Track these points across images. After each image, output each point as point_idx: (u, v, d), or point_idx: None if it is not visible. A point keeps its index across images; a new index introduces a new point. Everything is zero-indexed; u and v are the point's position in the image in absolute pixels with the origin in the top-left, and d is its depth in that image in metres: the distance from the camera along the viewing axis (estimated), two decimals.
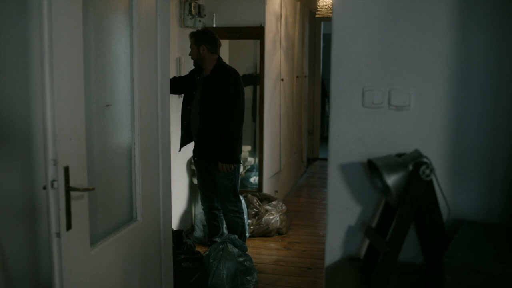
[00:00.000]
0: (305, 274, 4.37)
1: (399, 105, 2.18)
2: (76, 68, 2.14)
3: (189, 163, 5.26)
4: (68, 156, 2.10)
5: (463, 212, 2.14)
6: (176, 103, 4.54)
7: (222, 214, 4.53)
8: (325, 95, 9.67)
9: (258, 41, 5.60)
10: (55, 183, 2.06)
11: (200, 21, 5.16)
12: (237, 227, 4.41)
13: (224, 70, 4.21)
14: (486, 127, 2.13)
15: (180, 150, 4.47)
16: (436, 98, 2.15)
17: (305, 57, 7.86)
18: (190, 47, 4.23)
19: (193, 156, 4.45)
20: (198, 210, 5.07)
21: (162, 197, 2.99)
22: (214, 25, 5.48)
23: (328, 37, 10.44)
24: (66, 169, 2.09)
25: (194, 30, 4.60)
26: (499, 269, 1.65)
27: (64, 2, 2.04)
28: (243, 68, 6.11)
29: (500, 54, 2.09)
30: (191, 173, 5.28)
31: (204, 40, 4.20)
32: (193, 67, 4.33)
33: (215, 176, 4.29)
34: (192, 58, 4.23)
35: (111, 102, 2.57)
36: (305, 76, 8.02)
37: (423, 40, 2.13)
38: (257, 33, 5.47)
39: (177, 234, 3.61)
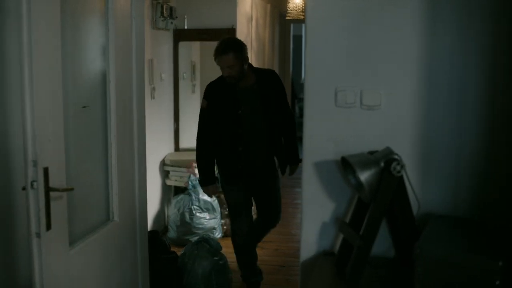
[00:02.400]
0: (278, 272, 4.45)
1: (370, 105, 2.27)
2: (54, 71, 2.17)
3: (161, 164, 5.29)
4: (48, 157, 2.13)
5: (432, 207, 2.24)
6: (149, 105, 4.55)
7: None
8: (295, 96, 9.79)
9: None
10: (34, 183, 2.08)
11: (172, 23, 5.20)
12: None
13: (267, 71, 3.89)
14: (452, 126, 2.23)
15: (241, 184, 3.77)
16: (406, 98, 2.24)
17: (275, 59, 7.95)
18: (229, 65, 3.47)
19: (233, 183, 3.76)
20: (171, 211, 5.10)
21: (138, 197, 3.03)
22: (185, 27, 5.51)
23: (297, 39, 10.59)
24: (46, 170, 2.11)
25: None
26: (467, 259, 1.74)
27: (43, 6, 2.06)
28: (215, 70, 6.15)
29: (464, 57, 2.19)
30: (164, 175, 5.31)
31: (245, 52, 3.57)
32: (209, 89, 3.72)
33: (270, 189, 3.90)
34: (230, 77, 3.51)
35: (88, 104, 2.59)
36: None
37: (393, 43, 2.23)
38: (228, 34, 5.52)
39: (152, 234, 3.64)
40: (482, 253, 1.76)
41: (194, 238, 4.48)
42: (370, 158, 2.05)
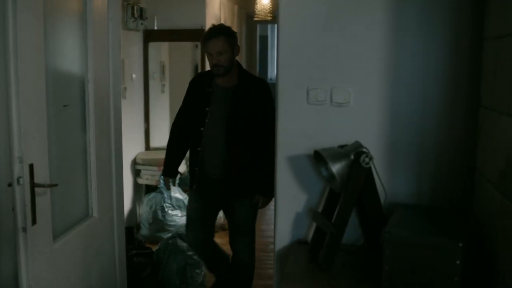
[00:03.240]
0: None
1: (340, 102, 2.42)
2: (38, 71, 2.25)
3: (133, 163, 5.36)
4: (32, 154, 2.21)
5: (398, 197, 2.40)
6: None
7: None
8: None
9: (198, 43, 5.76)
10: (21, 179, 2.16)
11: (142, 23, 5.28)
12: (251, 267, 3.69)
13: (256, 79, 3.50)
14: (416, 121, 2.40)
15: (195, 187, 3.50)
16: (373, 96, 2.40)
17: (243, 59, 8.08)
18: (219, 51, 3.20)
19: (195, 186, 3.49)
20: (143, 209, 5.18)
21: (115, 194, 3.11)
22: (155, 28, 5.59)
23: (263, 39, 10.75)
24: (31, 167, 2.19)
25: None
26: (430, 241, 1.91)
27: (27, 10, 2.14)
28: (184, 70, 6.25)
29: (425, 57, 2.36)
30: (135, 173, 5.38)
31: (236, 40, 3.33)
32: (192, 80, 3.59)
33: (235, 208, 3.51)
34: (219, 66, 3.23)
35: (69, 103, 2.67)
36: None
37: (360, 45, 2.38)
38: (198, 35, 5.62)
39: (128, 230, 3.72)
40: (444, 236, 1.92)
41: (166, 235, 4.57)
42: (341, 152, 2.20)
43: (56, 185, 2.35)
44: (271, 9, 6.40)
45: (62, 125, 2.63)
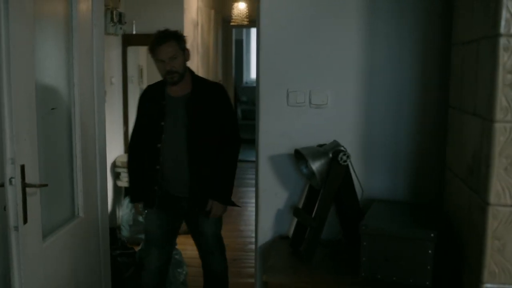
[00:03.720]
0: (230, 265, 4.65)
1: (318, 104, 2.56)
2: (29, 75, 2.33)
3: (113, 166, 5.42)
4: (24, 155, 2.28)
5: (374, 192, 2.55)
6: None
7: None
8: (237, 98, 10.05)
9: None
10: (13, 180, 2.23)
11: (121, 28, 5.34)
12: (225, 279, 3.58)
13: (211, 84, 3.26)
14: (390, 122, 2.55)
15: (155, 208, 3.23)
16: (349, 98, 2.54)
17: (219, 63, 8.20)
18: (171, 57, 2.97)
19: (155, 206, 3.22)
20: (124, 211, 5.24)
21: (100, 195, 3.19)
22: (134, 32, 5.67)
23: (239, 43, 10.87)
24: (22, 167, 2.27)
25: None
26: (405, 231, 2.05)
27: (19, 18, 2.22)
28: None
29: (399, 62, 2.52)
30: (115, 176, 5.44)
31: (185, 43, 3.14)
32: (144, 93, 3.35)
33: (201, 224, 3.24)
34: (173, 73, 2.99)
35: (56, 106, 2.75)
36: (220, 81, 8.35)
37: (338, 50, 2.52)
38: None
39: (111, 231, 3.79)
40: (417, 227, 2.07)
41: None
42: (320, 150, 2.33)
43: (46, 185, 2.43)
44: (247, 14, 6.53)
45: (50, 127, 2.71)
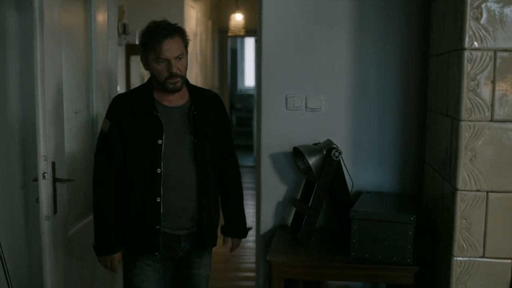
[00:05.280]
0: (230, 261, 4.99)
1: (313, 108, 2.89)
2: (58, 82, 2.65)
3: None
4: (54, 153, 2.60)
5: (363, 185, 2.89)
6: None
7: None
8: (232, 106, 10.40)
9: None
10: (46, 175, 2.55)
11: (125, 38, 5.68)
12: None
13: (209, 92, 2.62)
14: (376, 123, 2.89)
15: (157, 254, 2.41)
16: (341, 102, 2.88)
17: (216, 71, 8.53)
18: (178, 56, 2.34)
19: (142, 252, 2.43)
20: None
21: None
22: (137, 42, 5.99)
23: (233, 52, 11.23)
24: (53, 164, 2.59)
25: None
26: (389, 215, 2.38)
27: (51, 36, 2.54)
28: None
29: (384, 71, 2.86)
30: None
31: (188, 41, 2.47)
32: (115, 105, 2.46)
33: (195, 265, 2.55)
34: (177, 77, 2.33)
35: (78, 109, 3.07)
36: (216, 88, 8.68)
37: (331, 59, 2.86)
38: None
39: None
40: (400, 212, 2.41)
41: None
42: (315, 148, 2.67)
43: (73, 180, 2.75)
44: (244, 24, 6.88)
45: (73, 128, 3.02)
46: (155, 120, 2.36)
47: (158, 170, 2.33)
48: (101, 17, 3.24)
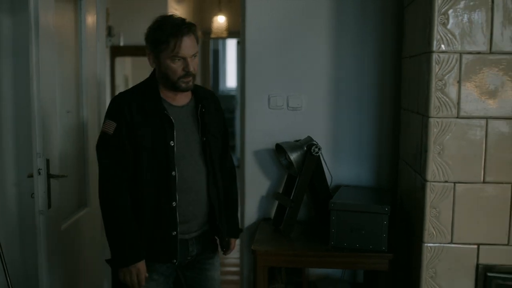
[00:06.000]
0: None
1: (294, 107, 3.06)
2: (52, 84, 2.78)
3: None
4: (48, 150, 2.73)
5: (341, 179, 3.07)
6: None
7: None
8: None
9: None
10: (41, 171, 2.67)
11: (110, 40, 5.79)
12: None
13: (208, 91, 2.57)
14: (353, 121, 3.07)
15: (176, 261, 2.32)
16: (320, 101, 3.05)
17: (199, 72, 8.66)
18: (194, 54, 2.25)
19: (176, 260, 2.31)
20: None
21: None
22: (121, 44, 6.11)
23: (215, 53, 11.37)
24: (48, 161, 2.71)
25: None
26: (366, 206, 2.56)
27: (46, 43, 2.66)
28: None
29: (361, 72, 3.04)
30: None
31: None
32: (119, 105, 2.28)
33: (209, 267, 2.48)
34: (190, 76, 2.26)
35: (70, 109, 3.20)
36: None
37: (311, 61, 3.02)
38: None
39: None
40: (375, 203, 2.58)
41: None
42: (297, 144, 2.84)
43: (66, 176, 2.88)
44: (226, 27, 7.02)
45: (66, 127, 3.15)
46: (165, 120, 2.25)
47: (173, 173, 2.24)
48: (90, 20, 3.37)
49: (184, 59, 2.20)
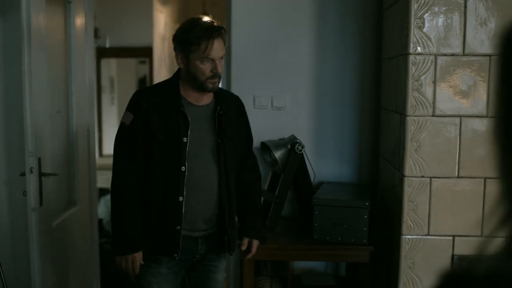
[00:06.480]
0: None
1: (279, 106, 3.17)
2: (43, 85, 2.85)
3: None
4: (40, 149, 2.81)
5: (324, 176, 3.18)
6: None
7: None
8: None
9: (144, 59, 6.43)
10: (33, 169, 2.75)
11: (96, 42, 5.85)
12: None
13: (232, 95, 2.63)
14: (336, 120, 3.19)
15: (176, 256, 2.32)
16: (303, 101, 3.17)
17: None
18: (223, 56, 2.33)
19: (177, 255, 2.31)
20: (101, 209, 5.72)
21: (90, 188, 3.72)
22: (107, 45, 6.18)
23: None
24: (39, 160, 2.79)
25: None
26: (347, 201, 2.68)
27: (38, 46, 2.73)
28: (130, 83, 6.87)
29: (342, 73, 3.16)
30: None
31: None
32: (139, 99, 2.35)
33: (214, 269, 2.48)
34: (216, 77, 2.31)
35: (60, 109, 3.28)
36: None
37: (294, 63, 3.15)
38: (146, 52, 6.28)
39: (98, 221, 4.29)
40: (356, 198, 2.71)
41: None
42: (281, 142, 2.95)
43: (57, 174, 2.96)
44: None
45: (56, 126, 3.22)
46: (181, 117, 2.29)
47: (183, 168, 2.27)
48: (79, 22, 3.45)
49: (213, 60, 2.26)
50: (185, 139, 2.28)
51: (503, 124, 0.64)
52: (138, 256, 2.30)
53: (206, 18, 2.36)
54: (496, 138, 0.65)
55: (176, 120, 2.29)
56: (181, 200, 2.28)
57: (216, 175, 2.34)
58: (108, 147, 6.42)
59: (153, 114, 2.30)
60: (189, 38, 2.25)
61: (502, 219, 0.63)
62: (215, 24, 2.28)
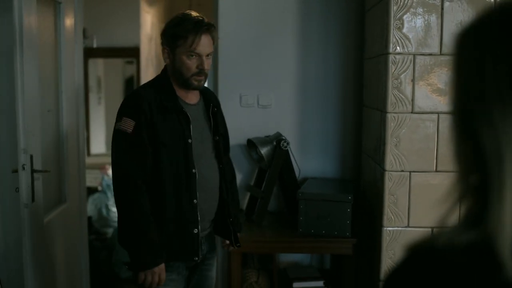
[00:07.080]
0: None
1: (264, 104, 3.27)
2: (34, 84, 2.92)
3: None
4: (32, 146, 2.87)
5: (309, 172, 3.28)
6: None
7: None
8: None
9: (131, 59, 6.49)
10: (25, 166, 2.82)
11: (83, 42, 5.89)
12: None
13: (211, 91, 2.59)
14: (320, 117, 3.29)
15: (198, 259, 2.33)
16: (289, 99, 3.27)
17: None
18: (210, 53, 2.27)
19: (198, 258, 2.31)
20: (89, 207, 5.78)
21: (80, 185, 3.78)
22: (94, 46, 6.23)
23: None
24: (31, 157, 2.86)
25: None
26: (331, 195, 2.78)
27: (30, 47, 2.81)
28: (117, 84, 6.92)
29: (326, 72, 3.26)
30: None
31: None
32: (139, 101, 2.21)
33: (209, 266, 2.47)
34: (203, 75, 2.26)
35: (50, 108, 3.34)
36: None
37: (279, 62, 3.24)
38: (133, 53, 6.34)
39: (88, 219, 4.36)
40: (340, 192, 2.81)
41: (110, 230, 5.21)
42: (267, 139, 3.05)
43: (49, 171, 3.02)
44: None
45: (47, 125, 3.28)
46: (183, 118, 2.23)
47: (194, 170, 2.22)
48: (68, 23, 3.51)
49: (200, 56, 2.19)
50: (190, 140, 2.22)
51: (457, 116, 0.74)
52: (163, 267, 2.19)
53: (195, 14, 2.28)
54: (452, 129, 0.75)
55: (179, 121, 2.22)
56: (195, 202, 2.23)
57: (218, 173, 2.35)
58: (95, 147, 6.47)
59: (157, 115, 2.19)
60: (177, 31, 2.19)
61: (457, 198, 0.73)
62: (205, 20, 2.22)
